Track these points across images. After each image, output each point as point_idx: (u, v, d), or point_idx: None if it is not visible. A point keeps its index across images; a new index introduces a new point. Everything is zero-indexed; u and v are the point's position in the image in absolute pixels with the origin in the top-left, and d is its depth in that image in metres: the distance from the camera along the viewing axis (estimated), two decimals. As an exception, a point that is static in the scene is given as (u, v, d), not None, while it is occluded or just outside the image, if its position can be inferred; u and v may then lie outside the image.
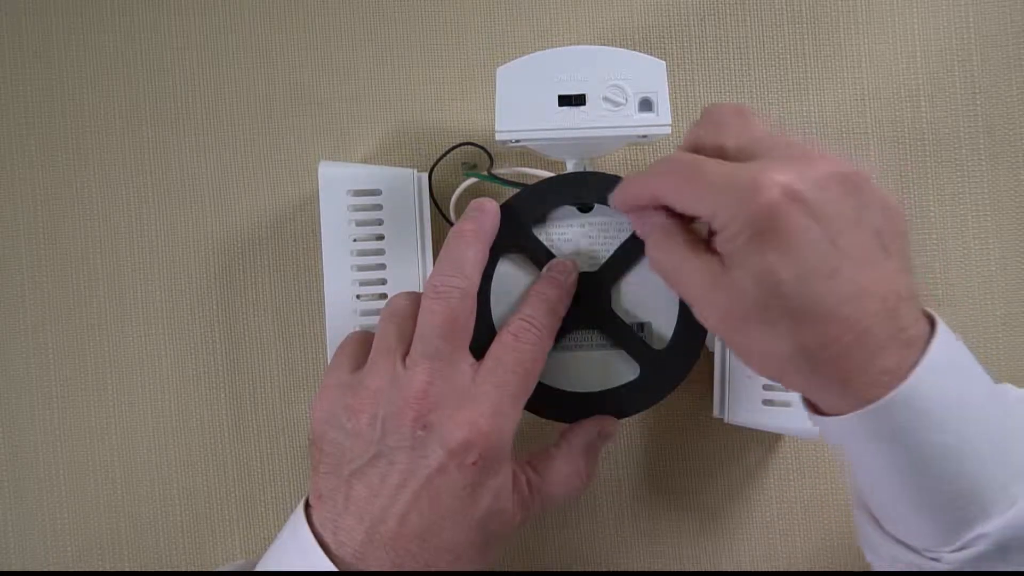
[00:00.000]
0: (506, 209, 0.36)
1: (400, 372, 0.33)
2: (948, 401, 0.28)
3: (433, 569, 0.31)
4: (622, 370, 0.37)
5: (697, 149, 0.32)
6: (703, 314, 0.31)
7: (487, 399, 0.32)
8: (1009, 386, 0.33)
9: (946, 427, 0.28)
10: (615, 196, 0.34)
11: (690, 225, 0.32)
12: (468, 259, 0.34)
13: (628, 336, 0.37)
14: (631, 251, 0.37)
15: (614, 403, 0.37)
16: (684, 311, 0.37)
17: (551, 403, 0.37)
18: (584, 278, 0.37)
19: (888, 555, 0.32)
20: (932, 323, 0.29)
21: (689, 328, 0.37)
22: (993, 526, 0.28)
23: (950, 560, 0.29)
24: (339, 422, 0.33)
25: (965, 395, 0.29)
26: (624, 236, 0.38)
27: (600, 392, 0.37)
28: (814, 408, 0.31)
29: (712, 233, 0.30)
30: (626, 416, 0.37)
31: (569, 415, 0.37)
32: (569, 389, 0.37)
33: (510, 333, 0.34)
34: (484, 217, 0.35)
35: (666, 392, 0.37)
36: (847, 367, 0.28)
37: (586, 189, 0.37)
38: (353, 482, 0.32)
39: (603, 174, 0.37)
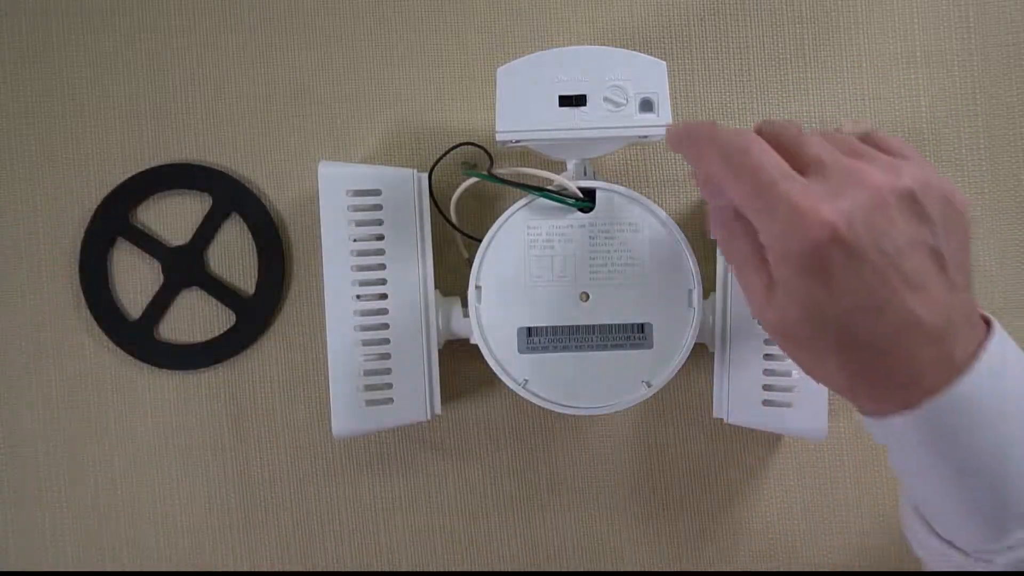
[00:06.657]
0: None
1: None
2: (991, 407, 0.28)
3: None
4: (623, 370, 0.38)
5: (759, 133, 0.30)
6: (760, 321, 0.31)
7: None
8: None
9: (985, 434, 0.28)
10: (675, 141, 0.33)
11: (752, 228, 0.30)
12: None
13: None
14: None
15: None
16: None
17: None
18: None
19: (938, 553, 0.31)
20: (988, 326, 0.29)
21: None
22: None
23: (1002, 563, 0.29)
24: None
25: (1009, 401, 0.28)
26: (624, 235, 0.38)
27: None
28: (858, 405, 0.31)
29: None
30: None
31: None
32: (569, 390, 0.37)
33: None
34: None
35: None
36: (890, 384, 0.28)
37: None
38: None
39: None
